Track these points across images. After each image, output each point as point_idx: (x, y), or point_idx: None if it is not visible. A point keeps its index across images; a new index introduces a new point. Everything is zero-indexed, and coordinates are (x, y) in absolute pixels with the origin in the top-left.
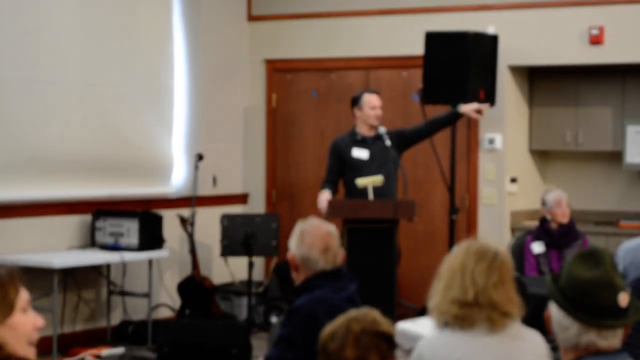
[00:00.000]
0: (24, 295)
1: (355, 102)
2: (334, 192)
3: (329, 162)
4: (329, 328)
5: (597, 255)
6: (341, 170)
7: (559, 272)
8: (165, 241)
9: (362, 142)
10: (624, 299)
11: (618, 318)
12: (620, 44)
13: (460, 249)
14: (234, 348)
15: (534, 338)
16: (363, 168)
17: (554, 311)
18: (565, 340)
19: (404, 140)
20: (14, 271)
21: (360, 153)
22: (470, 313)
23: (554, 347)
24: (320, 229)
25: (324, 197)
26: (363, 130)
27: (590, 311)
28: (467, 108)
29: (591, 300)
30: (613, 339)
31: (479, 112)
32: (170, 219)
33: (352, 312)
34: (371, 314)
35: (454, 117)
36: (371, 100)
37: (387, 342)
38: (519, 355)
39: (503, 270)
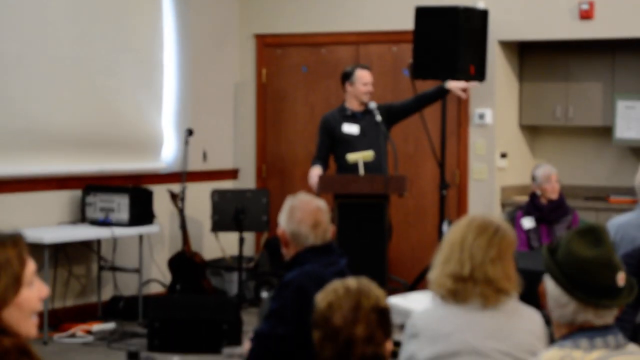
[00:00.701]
0: (30, 267)
1: (347, 77)
2: (325, 168)
3: (318, 139)
4: (326, 298)
5: (597, 233)
6: (331, 147)
7: (554, 244)
8: (155, 216)
9: (352, 118)
10: (621, 278)
11: (615, 297)
12: (611, 18)
13: (462, 223)
14: (224, 323)
15: (531, 316)
16: (354, 143)
17: (550, 287)
18: (561, 317)
19: (393, 114)
20: (19, 239)
21: (350, 128)
22: (464, 288)
23: (547, 322)
24: (310, 204)
25: (315, 172)
26: (353, 105)
27: (589, 290)
28: (453, 85)
29: (591, 279)
30: (608, 317)
31: (464, 90)
32: (160, 195)
33: (351, 282)
34: (373, 288)
35: (442, 93)
36: (363, 76)
37: (388, 319)
38: (511, 332)
39: (502, 245)
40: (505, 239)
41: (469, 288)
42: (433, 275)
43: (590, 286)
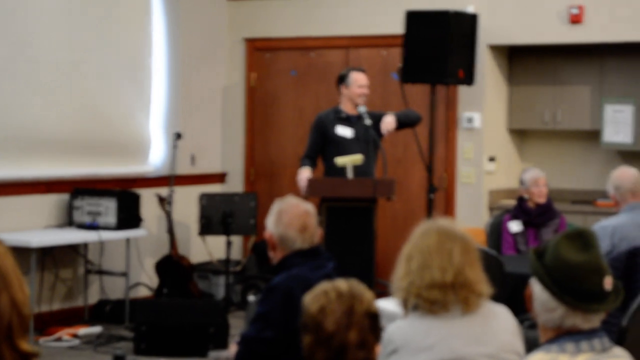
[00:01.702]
0: None
1: (342, 79)
2: (313, 167)
3: (310, 137)
4: (317, 301)
5: (585, 237)
6: (322, 147)
7: (541, 248)
8: (143, 220)
9: (347, 121)
10: (608, 282)
11: (603, 302)
12: (600, 23)
13: (428, 229)
14: (211, 327)
15: (503, 314)
16: (346, 146)
17: (537, 291)
18: (548, 321)
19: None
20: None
21: (344, 131)
22: (445, 296)
23: (531, 325)
24: (298, 208)
25: (304, 174)
26: (348, 108)
27: (578, 295)
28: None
29: (580, 285)
30: (595, 321)
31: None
32: (148, 198)
33: (342, 285)
34: (364, 292)
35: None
36: (359, 79)
37: (379, 323)
38: (492, 334)
39: (472, 249)
40: (471, 241)
41: (449, 296)
42: (407, 285)
43: (579, 291)
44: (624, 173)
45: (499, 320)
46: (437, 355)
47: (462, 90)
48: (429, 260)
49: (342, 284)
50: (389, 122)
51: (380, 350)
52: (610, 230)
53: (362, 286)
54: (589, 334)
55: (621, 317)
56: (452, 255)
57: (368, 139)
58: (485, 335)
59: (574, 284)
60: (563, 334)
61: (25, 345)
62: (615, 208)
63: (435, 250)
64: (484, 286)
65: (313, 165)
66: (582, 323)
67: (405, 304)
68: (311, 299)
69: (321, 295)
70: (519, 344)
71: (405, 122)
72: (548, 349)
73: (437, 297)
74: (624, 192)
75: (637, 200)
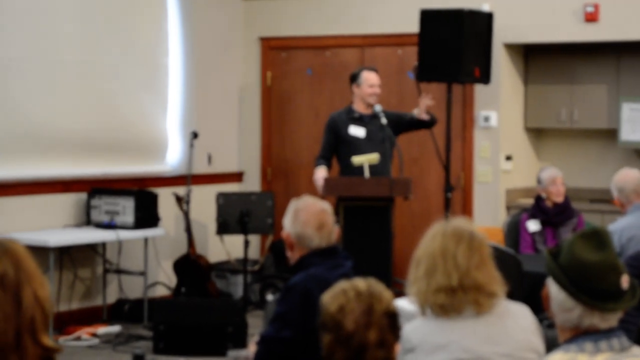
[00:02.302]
0: None
1: (354, 79)
2: (329, 167)
3: (324, 138)
4: (336, 300)
5: (600, 236)
6: (336, 147)
7: (556, 248)
8: (160, 219)
9: (359, 120)
10: (625, 281)
11: (620, 300)
12: (616, 21)
13: (435, 232)
14: (229, 326)
15: (522, 312)
16: (359, 146)
17: (554, 291)
18: (566, 321)
19: (401, 126)
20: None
21: (357, 131)
22: (455, 299)
23: (550, 325)
24: (314, 206)
25: (321, 174)
26: (360, 108)
27: (595, 294)
28: (417, 113)
29: (596, 283)
30: (613, 320)
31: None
32: (165, 197)
33: (361, 284)
34: (383, 291)
35: (422, 123)
36: (369, 78)
37: (398, 322)
38: (508, 333)
39: (482, 249)
40: (483, 242)
41: (460, 298)
42: (416, 291)
43: (596, 290)
44: (627, 174)
45: (517, 319)
46: (453, 354)
47: (479, 89)
48: (433, 265)
49: (360, 283)
50: (427, 102)
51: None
52: (620, 231)
53: (380, 285)
54: (607, 333)
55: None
56: (457, 259)
57: (383, 138)
58: (501, 334)
59: (591, 283)
60: (581, 334)
61: (48, 341)
62: (621, 210)
63: (439, 255)
64: (497, 286)
65: (328, 164)
66: (599, 322)
67: (419, 308)
68: (330, 298)
69: (340, 295)
70: (538, 342)
71: (431, 119)
72: (567, 348)
73: (445, 301)
74: (628, 193)
75: None
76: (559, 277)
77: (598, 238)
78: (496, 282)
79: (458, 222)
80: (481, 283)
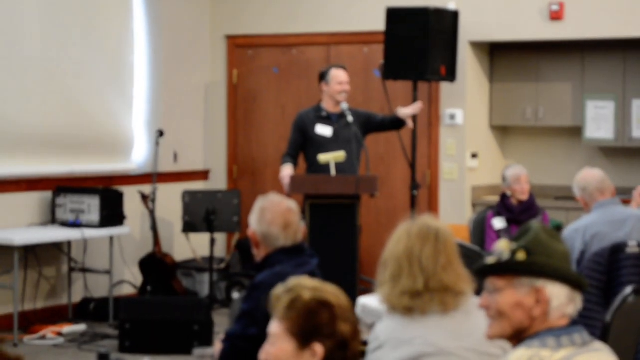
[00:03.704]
0: None
1: (323, 77)
2: (295, 165)
3: (291, 136)
4: (290, 291)
5: (557, 231)
6: (303, 145)
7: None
8: (126, 218)
9: (327, 119)
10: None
11: None
12: (580, 19)
13: (401, 233)
14: (195, 324)
15: None
16: (326, 145)
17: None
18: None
19: (370, 126)
20: None
21: (324, 130)
22: (420, 302)
23: None
24: (281, 205)
25: (287, 172)
26: (329, 106)
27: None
28: (403, 113)
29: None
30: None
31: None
32: (131, 196)
33: (306, 282)
34: (334, 287)
35: (398, 123)
36: (338, 76)
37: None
38: (473, 329)
39: (448, 248)
40: (449, 241)
41: (425, 300)
42: (383, 293)
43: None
44: (589, 173)
45: (483, 315)
46: (418, 348)
47: (444, 87)
48: (399, 269)
49: (312, 281)
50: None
51: (368, 347)
52: (582, 229)
53: (320, 282)
54: (568, 328)
55: (604, 313)
56: (422, 262)
57: (350, 136)
58: (465, 330)
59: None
60: (543, 330)
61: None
62: (584, 208)
63: (404, 258)
64: (464, 284)
65: (294, 162)
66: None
67: (387, 308)
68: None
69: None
70: None
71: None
72: (529, 344)
73: (410, 304)
74: (592, 191)
75: (605, 197)
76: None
77: (556, 232)
78: (463, 281)
79: (423, 220)
80: (448, 284)
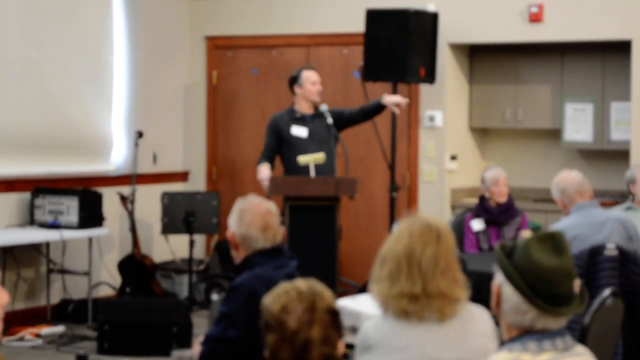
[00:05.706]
0: None
1: (295, 80)
2: (272, 165)
3: (266, 139)
4: (278, 300)
5: (556, 240)
6: (278, 147)
7: (509, 246)
8: (105, 219)
9: (301, 120)
10: (577, 285)
11: (571, 304)
12: (560, 21)
13: (402, 230)
14: (174, 326)
15: (481, 316)
16: (302, 146)
17: (508, 293)
18: (517, 322)
19: (342, 121)
20: None
21: (299, 131)
22: (418, 307)
23: (495, 322)
24: (260, 207)
25: (265, 173)
26: (302, 108)
27: (550, 299)
28: (388, 100)
29: (553, 289)
30: (563, 322)
31: (397, 106)
32: (110, 197)
33: (301, 284)
34: (324, 290)
35: (380, 108)
36: (310, 76)
37: (340, 319)
38: (466, 337)
39: (449, 252)
40: (448, 243)
41: (423, 305)
42: (379, 290)
43: (551, 295)
44: (567, 176)
45: (476, 323)
46: (411, 356)
47: (424, 89)
48: (397, 268)
49: (301, 283)
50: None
51: (356, 347)
52: (561, 231)
53: (319, 284)
54: (551, 333)
55: (583, 316)
56: (422, 265)
57: (327, 137)
58: (458, 339)
59: (548, 288)
60: (525, 333)
61: None
62: (563, 210)
63: (404, 258)
64: (460, 290)
65: (271, 163)
66: (552, 324)
67: (380, 306)
68: (272, 299)
69: (282, 295)
70: (494, 347)
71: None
72: (511, 347)
73: (407, 307)
74: (571, 193)
75: (584, 199)
76: (516, 279)
77: (554, 242)
78: (459, 287)
79: (425, 218)
80: (444, 291)
